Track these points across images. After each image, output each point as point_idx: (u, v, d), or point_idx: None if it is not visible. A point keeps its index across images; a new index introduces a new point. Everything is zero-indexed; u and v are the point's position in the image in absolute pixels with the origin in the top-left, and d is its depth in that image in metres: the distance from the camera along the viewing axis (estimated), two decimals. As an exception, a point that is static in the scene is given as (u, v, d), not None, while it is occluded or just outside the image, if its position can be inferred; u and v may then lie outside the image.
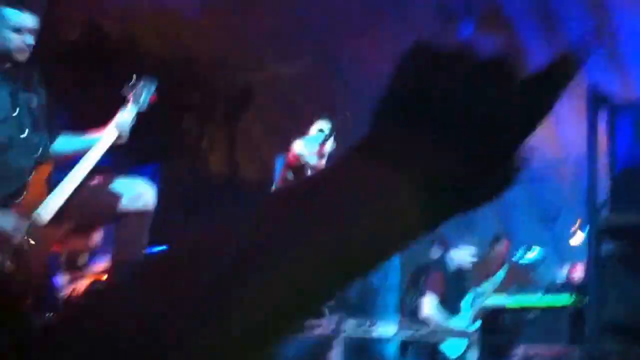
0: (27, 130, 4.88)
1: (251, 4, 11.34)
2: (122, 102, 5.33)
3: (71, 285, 6.82)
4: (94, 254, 7.19)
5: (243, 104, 12.84)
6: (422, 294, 8.78)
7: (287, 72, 12.41)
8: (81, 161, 4.98)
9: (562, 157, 11.41)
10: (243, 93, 12.79)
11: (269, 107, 12.89)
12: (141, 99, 5.31)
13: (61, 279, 6.21)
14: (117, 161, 5.42)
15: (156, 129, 11.16)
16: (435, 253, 10.40)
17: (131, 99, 5.28)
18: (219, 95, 12.66)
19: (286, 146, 8.04)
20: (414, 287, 9.83)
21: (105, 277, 6.04)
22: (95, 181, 5.06)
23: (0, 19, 4.85)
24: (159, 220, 5.24)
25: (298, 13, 11.63)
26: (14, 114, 4.86)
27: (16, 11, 4.85)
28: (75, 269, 6.96)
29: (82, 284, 7.10)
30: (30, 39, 4.89)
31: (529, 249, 10.25)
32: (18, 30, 4.86)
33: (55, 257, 5.68)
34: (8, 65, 4.90)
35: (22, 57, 4.90)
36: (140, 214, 5.02)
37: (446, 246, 10.24)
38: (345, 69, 12.16)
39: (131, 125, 5.20)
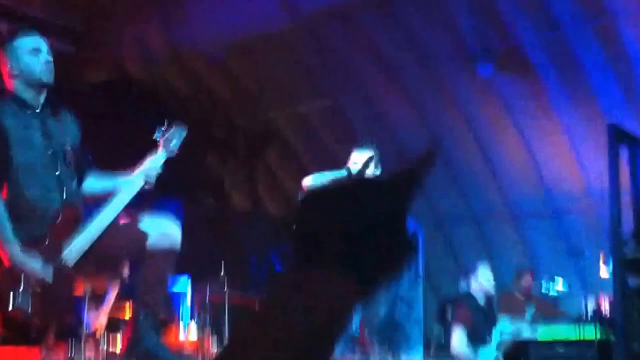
0: (59, 171, 4.94)
1: (274, 45, 11.43)
2: (151, 145, 5.34)
3: (95, 322, 6.87)
4: (118, 291, 7.23)
5: (266, 141, 12.89)
6: (449, 327, 8.76)
7: (309, 110, 12.48)
8: (109, 204, 5.01)
9: (585, 191, 11.38)
10: (265, 130, 12.85)
11: (291, 144, 12.94)
12: (171, 145, 5.33)
13: (85, 317, 6.25)
14: (141, 198, 5.45)
15: (180, 166, 11.23)
16: (463, 287, 10.39)
17: (162, 144, 5.30)
18: (242, 132, 12.73)
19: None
20: (440, 321, 9.80)
21: (128, 315, 6.07)
22: (123, 219, 5.09)
23: (18, 47, 5.01)
24: (182, 254, 5.25)
25: (320, 54, 11.71)
26: (48, 154, 4.92)
27: (30, 36, 5.03)
28: (99, 306, 7.00)
29: (104, 321, 7.15)
30: (48, 57, 5.02)
31: (554, 281, 10.19)
32: (36, 51, 5.00)
33: (79, 297, 5.71)
34: (39, 91, 5.01)
35: (48, 78, 5.01)
36: (166, 253, 5.03)
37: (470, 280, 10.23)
38: (367, 107, 12.22)
39: (159, 170, 5.23)
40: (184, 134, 5.38)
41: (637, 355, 8.74)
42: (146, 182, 5.13)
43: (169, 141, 5.30)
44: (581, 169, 11.28)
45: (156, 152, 5.26)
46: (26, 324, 4.55)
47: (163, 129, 5.33)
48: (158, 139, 5.28)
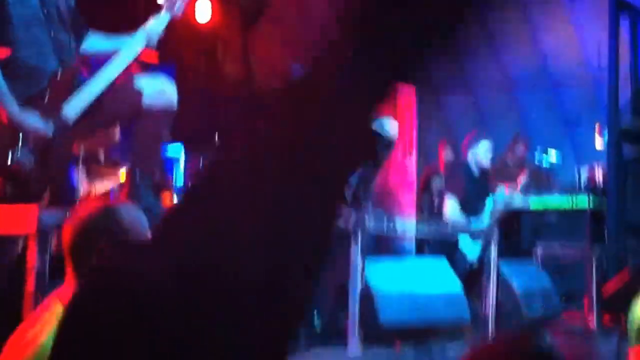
0: (55, 30, 4.86)
1: None
2: (154, 8, 5.24)
3: (90, 182, 6.84)
4: (113, 150, 7.20)
5: (260, 9, 12.74)
6: (440, 195, 8.73)
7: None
8: (109, 63, 4.94)
9: (582, 62, 11.31)
10: (261, 3, 12.70)
11: (286, 17, 12.78)
12: (176, 6, 5.22)
13: (80, 175, 6.22)
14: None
15: (172, 31, 11.14)
16: (448, 156, 10.35)
17: (166, 4, 5.20)
18: (237, 4, 12.57)
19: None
20: (427, 187, 9.80)
21: (123, 175, 6.04)
22: (118, 79, 5.03)
23: None
24: (175, 120, 5.20)
25: None
26: (42, 14, 4.84)
27: None
28: (94, 165, 6.96)
29: (100, 181, 7.12)
30: None
31: (548, 151, 10.18)
32: None
33: (74, 155, 5.68)
34: None
35: None
36: (162, 111, 4.98)
37: (457, 149, 10.18)
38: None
39: (162, 31, 5.14)
40: None
41: (628, 224, 8.81)
42: (148, 42, 5.04)
43: (173, 2, 5.19)
44: (579, 39, 11.17)
45: (159, 13, 5.15)
46: (26, 178, 4.54)
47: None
48: (162, 1, 5.18)
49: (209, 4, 11.82)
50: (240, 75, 13.02)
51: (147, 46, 5.06)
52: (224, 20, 12.40)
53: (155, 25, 5.10)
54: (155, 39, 5.07)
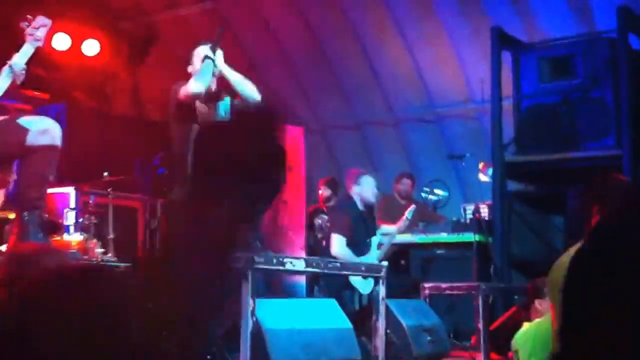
0: None
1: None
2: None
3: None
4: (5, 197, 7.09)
5: (148, 44, 12.68)
6: (327, 233, 8.74)
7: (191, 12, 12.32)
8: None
9: (466, 96, 11.47)
10: (149, 34, 12.63)
11: (174, 48, 12.74)
12: (38, 37, 5.23)
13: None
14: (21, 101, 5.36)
15: (62, 68, 11.06)
16: (325, 192, 10.36)
17: (28, 35, 5.20)
18: (125, 35, 12.50)
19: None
20: (312, 226, 9.83)
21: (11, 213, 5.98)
22: (1, 117, 5.01)
23: None
24: (65, 157, 5.22)
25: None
26: None
27: None
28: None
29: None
30: None
31: (434, 187, 10.32)
32: None
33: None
34: None
35: None
36: (47, 149, 4.99)
37: (336, 187, 10.23)
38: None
39: (26, 63, 5.13)
40: (48, 22, 5.27)
41: (513, 256, 8.99)
42: (16, 75, 5.03)
43: (36, 33, 5.19)
44: (463, 74, 11.34)
45: (22, 47, 5.15)
46: None
47: (28, 21, 5.21)
48: (25, 33, 5.17)
49: (97, 41, 11.76)
50: (130, 109, 12.94)
51: (15, 80, 5.05)
52: (112, 55, 12.32)
53: (19, 58, 5.10)
54: (21, 72, 5.07)
